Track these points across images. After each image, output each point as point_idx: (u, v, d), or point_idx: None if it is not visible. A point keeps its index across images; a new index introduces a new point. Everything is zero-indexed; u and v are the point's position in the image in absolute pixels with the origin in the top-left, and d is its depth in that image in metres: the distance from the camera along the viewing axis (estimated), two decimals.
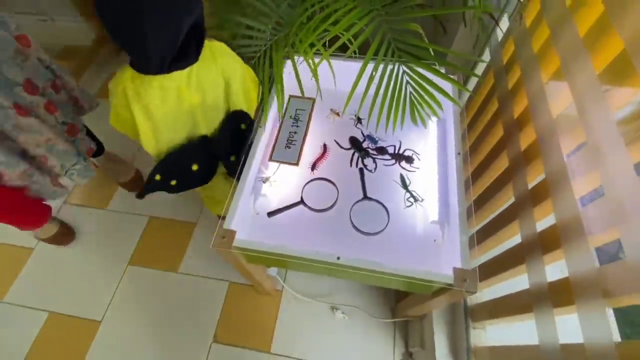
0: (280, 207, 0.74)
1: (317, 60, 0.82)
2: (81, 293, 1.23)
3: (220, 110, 0.77)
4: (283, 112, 0.85)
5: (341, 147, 0.82)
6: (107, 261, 1.29)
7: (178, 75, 0.65)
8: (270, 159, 0.80)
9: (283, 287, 1.20)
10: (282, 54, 0.87)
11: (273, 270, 1.09)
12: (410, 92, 0.71)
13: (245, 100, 0.79)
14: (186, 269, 1.26)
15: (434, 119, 0.84)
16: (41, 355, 1.13)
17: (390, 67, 0.72)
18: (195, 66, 0.66)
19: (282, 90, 0.83)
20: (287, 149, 0.81)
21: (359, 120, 0.85)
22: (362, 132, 0.83)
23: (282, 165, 0.80)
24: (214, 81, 0.71)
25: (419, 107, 0.72)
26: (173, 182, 0.82)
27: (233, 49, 0.79)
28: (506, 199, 0.76)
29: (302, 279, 1.21)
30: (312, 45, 0.80)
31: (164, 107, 0.68)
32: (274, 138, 0.83)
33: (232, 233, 0.70)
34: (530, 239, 0.65)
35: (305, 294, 1.17)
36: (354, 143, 0.81)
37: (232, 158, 0.83)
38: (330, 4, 0.84)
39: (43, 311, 1.20)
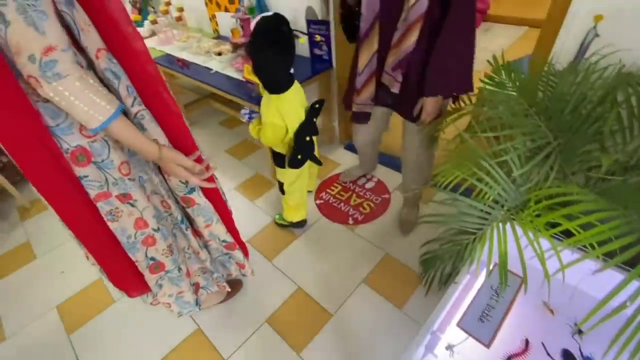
0: None
1: (543, 242, 0.78)
2: (327, 282, 1.49)
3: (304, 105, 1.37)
4: (486, 276, 0.82)
5: (548, 354, 0.70)
6: (349, 270, 1.52)
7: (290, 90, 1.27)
8: (459, 325, 0.76)
9: None
10: (503, 221, 0.86)
11: None
12: None
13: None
14: (410, 311, 1.35)
15: None
16: (284, 317, 1.41)
17: None
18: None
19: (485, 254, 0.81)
20: (480, 322, 0.75)
21: (580, 331, 0.72)
22: (580, 350, 0.70)
23: (469, 338, 0.74)
24: (299, 91, 1.33)
25: None
26: (299, 156, 1.39)
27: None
28: None
29: None
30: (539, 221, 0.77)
31: (291, 109, 1.28)
32: (468, 302, 0.80)
33: None
34: None
35: None
36: (567, 359, 0.68)
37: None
38: (576, 193, 0.80)
39: (294, 283, 1.51)
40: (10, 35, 0.56)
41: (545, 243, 0.79)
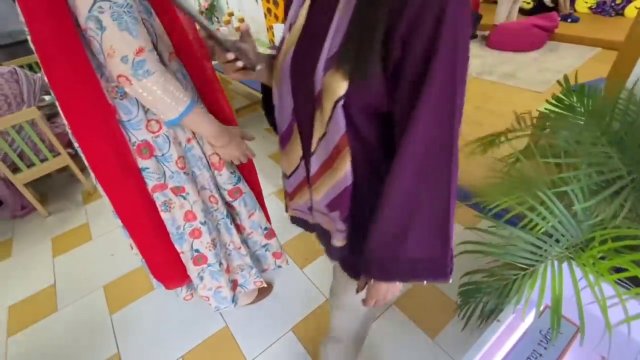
0: None
1: (606, 288, 0.69)
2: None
3: None
4: (535, 318, 0.74)
5: None
6: None
7: None
8: None
9: None
10: (560, 259, 0.78)
11: None
12: None
13: None
14: (444, 343, 1.26)
15: None
16: (309, 329, 1.38)
17: None
18: None
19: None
20: None
21: None
22: None
23: None
24: None
25: None
26: None
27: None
28: None
29: None
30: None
31: None
32: (511, 345, 0.72)
33: None
34: None
35: None
36: None
37: None
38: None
39: (322, 295, 1.48)
40: (105, 39, 0.64)
41: (608, 289, 0.69)
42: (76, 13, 0.64)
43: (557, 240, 0.81)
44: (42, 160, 2.02)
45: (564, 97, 0.92)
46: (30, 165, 1.99)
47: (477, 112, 2.64)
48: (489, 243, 0.82)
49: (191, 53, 0.83)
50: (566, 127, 0.87)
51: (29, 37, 0.69)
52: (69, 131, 0.80)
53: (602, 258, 0.74)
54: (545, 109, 0.98)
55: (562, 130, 0.87)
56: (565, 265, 0.77)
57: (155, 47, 0.76)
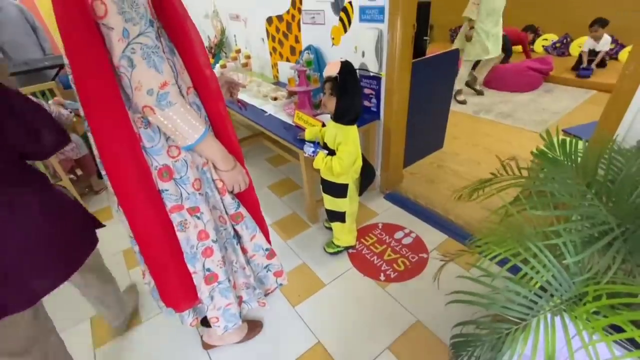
0: None
1: (601, 347, 0.66)
2: (349, 341, 1.41)
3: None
4: None
5: None
6: (375, 332, 1.43)
7: None
8: None
9: None
10: (553, 313, 0.76)
11: None
12: None
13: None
14: None
15: None
16: None
17: None
18: None
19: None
20: None
21: None
22: None
23: None
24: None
25: None
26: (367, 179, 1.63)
27: None
28: None
29: None
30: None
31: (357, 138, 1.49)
32: None
33: None
34: None
35: None
36: None
37: None
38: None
39: (314, 336, 1.44)
40: (134, 75, 0.73)
41: (604, 350, 0.67)
42: (111, 53, 0.72)
43: (551, 295, 0.79)
44: None
45: (547, 151, 0.93)
46: None
47: (475, 150, 2.68)
48: (478, 294, 0.80)
49: (206, 88, 0.92)
50: (555, 178, 0.87)
51: (70, 77, 0.79)
52: (98, 158, 0.86)
53: (597, 313, 0.72)
54: (532, 161, 1.00)
55: (552, 182, 0.88)
56: (558, 319, 0.74)
57: (175, 81, 0.83)
